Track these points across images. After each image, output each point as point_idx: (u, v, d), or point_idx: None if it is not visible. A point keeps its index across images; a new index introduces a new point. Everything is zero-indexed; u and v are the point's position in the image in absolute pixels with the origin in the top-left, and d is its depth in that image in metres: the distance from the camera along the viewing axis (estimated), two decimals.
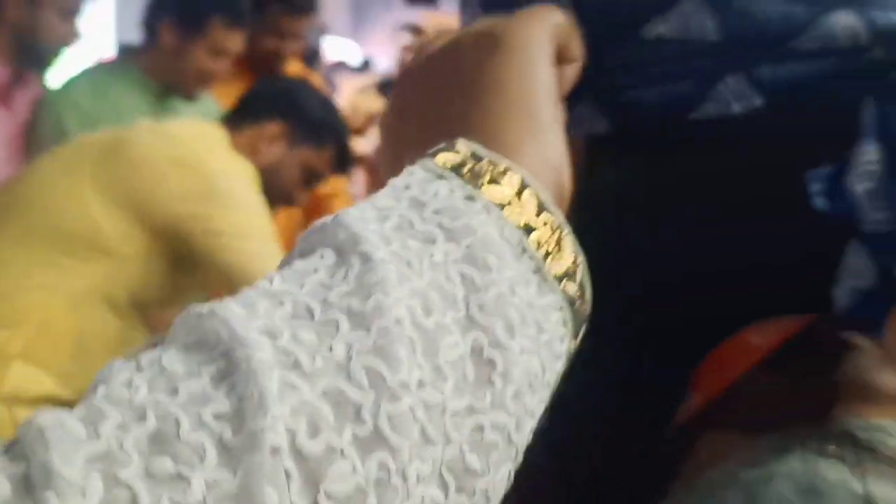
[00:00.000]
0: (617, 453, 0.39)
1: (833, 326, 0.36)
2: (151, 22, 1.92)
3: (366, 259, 0.25)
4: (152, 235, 1.41)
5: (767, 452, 0.33)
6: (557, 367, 0.29)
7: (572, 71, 0.35)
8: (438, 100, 0.34)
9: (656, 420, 0.39)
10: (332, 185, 2.02)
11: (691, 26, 0.35)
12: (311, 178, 1.61)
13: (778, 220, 0.36)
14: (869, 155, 0.35)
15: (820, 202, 0.35)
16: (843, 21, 0.35)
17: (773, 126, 0.36)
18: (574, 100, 0.36)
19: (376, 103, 3.64)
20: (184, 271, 1.47)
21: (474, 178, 0.28)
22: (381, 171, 0.36)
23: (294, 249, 0.28)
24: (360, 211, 0.27)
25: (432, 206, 0.27)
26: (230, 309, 0.24)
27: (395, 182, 0.28)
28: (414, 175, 0.28)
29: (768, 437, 0.34)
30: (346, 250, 0.25)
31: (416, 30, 3.70)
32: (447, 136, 0.30)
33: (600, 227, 0.35)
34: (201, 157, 1.41)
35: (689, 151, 0.37)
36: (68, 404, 0.99)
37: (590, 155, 0.37)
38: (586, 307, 0.30)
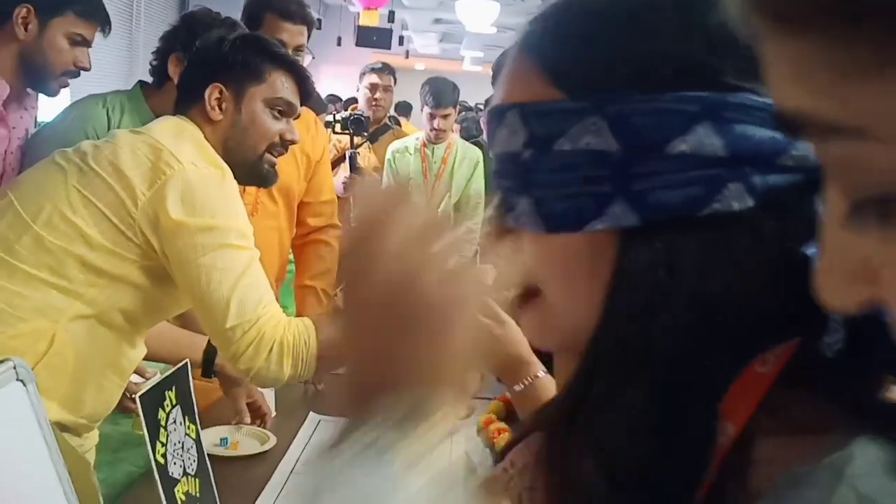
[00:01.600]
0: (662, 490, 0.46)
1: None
2: (161, 60, 1.96)
3: None
4: (139, 252, 1.40)
5: (835, 442, 0.40)
6: None
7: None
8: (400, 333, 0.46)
9: (691, 452, 0.46)
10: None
11: (705, 145, 0.46)
12: (283, 111, 1.58)
13: (765, 283, 0.47)
14: None
15: None
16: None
17: (760, 220, 0.46)
18: (610, 199, 0.48)
19: (344, 138, 3.69)
20: (166, 288, 1.45)
21: None
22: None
23: None
24: None
25: None
26: None
27: None
28: None
29: (829, 433, 0.40)
30: None
31: (385, 68, 3.76)
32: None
33: (632, 298, 0.48)
34: (180, 165, 1.39)
35: (699, 239, 0.47)
36: (73, 428, 1.03)
37: (621, 243, 0.48)
38: None
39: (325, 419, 1.96)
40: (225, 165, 1.49)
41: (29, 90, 1.86)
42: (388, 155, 3.47)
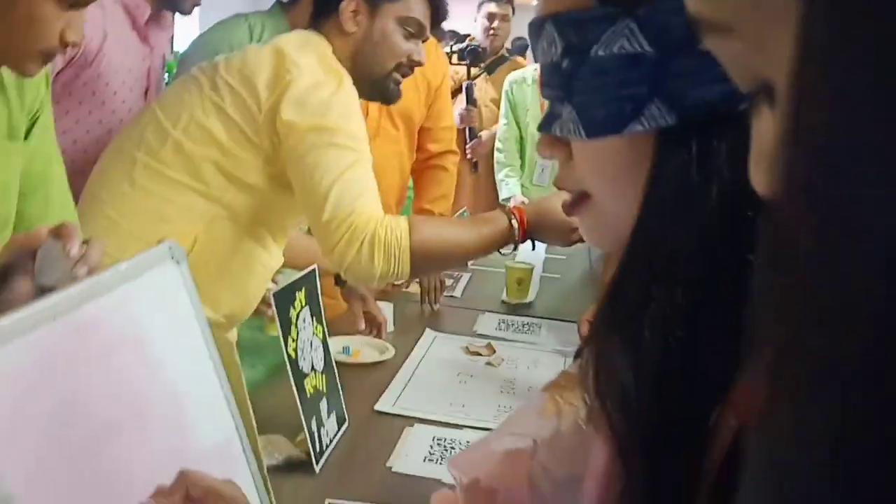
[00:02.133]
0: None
1: None
2: None
3: None
4: (264, 157, 1.47)
5: None
6: None
7: None
8: None
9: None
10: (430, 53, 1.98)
11: None
12: (413, 32, 1.62)
13: None
14: None
15: None
16: None
17: None
18: (646, 100, 0.48)
19: (461, 69, 3.69)
20: (288, 193, 1.51)
21: None
22: None
23: None
24: None
25: None
26: None
27: None
28: None
29: None
30: None
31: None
32: None
33: (664, 198, 0.48)
34: (298, 70, 1.45)
35: (734, 135, 0.46)
36: (220, 325, 1.08)
37: (659, 144, 0.49)
38: None
39: (440, 335, 2.04)
40: (344, 73, 1.53)
41: (164, 11, 1.96)
42: (506, 86, 3.47)
